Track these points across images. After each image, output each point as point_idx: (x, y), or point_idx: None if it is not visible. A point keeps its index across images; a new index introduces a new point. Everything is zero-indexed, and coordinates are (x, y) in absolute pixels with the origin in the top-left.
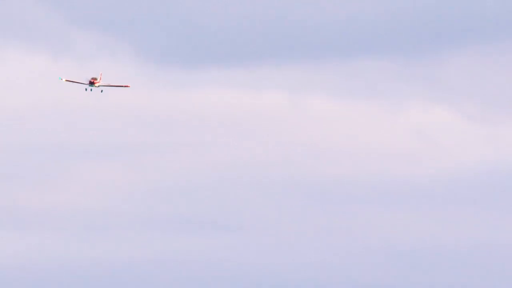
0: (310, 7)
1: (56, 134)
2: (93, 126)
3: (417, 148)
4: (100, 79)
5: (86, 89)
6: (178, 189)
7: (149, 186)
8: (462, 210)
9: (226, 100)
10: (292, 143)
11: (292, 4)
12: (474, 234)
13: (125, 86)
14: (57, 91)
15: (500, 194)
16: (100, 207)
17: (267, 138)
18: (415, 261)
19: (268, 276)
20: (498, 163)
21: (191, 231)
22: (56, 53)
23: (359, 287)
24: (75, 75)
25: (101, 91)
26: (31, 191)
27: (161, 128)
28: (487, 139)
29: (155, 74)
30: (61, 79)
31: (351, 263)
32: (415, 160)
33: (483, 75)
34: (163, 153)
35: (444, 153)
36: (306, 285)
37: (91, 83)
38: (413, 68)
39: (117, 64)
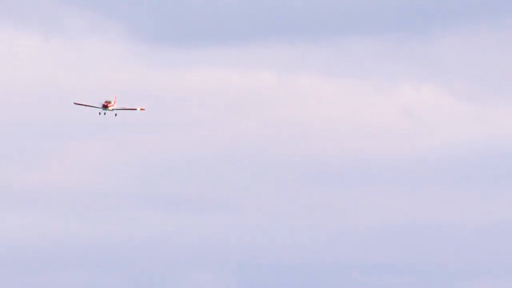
0: None
1: (48, 113)
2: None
3: (407, 127)
4: (115, 102)
5: (99, 113)
6: (169, 168)
7: (140, 165)
8: (452, 188)
9: (216, 79)
10: (282, 123)
11: None
12: (464, 212)
13: (140, 109)
14: (48, 71)
15: (490, 172)
16: (90, 186)
17: (257, 117)
18: (406, 240)
19: (258, 255)
20: (488, 141)
21: (181, 210)
22: (48, 33)
23: (351, 266)
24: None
25: (115, 114)
26: (24, 170)
27: (152, 107)
28: (476, 117)
29: (146, 54)
30: (74, 103)
31: (342, 242)
32: (404, 139)
33: (472, 54)
34: (155, 132)
35: (434, 132)
36: (296, 264)
37: (105, 107)
38: (402, 47)
39: (109, 43)
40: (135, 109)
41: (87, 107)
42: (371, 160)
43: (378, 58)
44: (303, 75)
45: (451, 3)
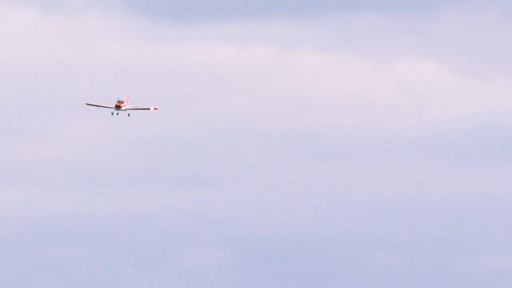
0: None
1: (47, 89)
2: (83, 81)
3: (405, 102)
4: (127, 102)
5: (112, 113)
6: (166, 143)
7: (137, 140)
8: (450, 163)
9: (214, 54)
10: (280, 98)
11: None
12: (463, 187)
13: (154, 109)
14: (47, 47)
15: (488, 148)
16: (87, 161)
17: (255, 92)
18: (401, 214)
19: (254, 231)
20: (487, 116)
21: (178, 185)
22: (46, 9)
23: (346, 241)
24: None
25: (128, 114)
26: (22, 145)
27: (150, 82)
28: (475, 93)
29: (144, 29)
30: (86, 103)
31: (337, 217)
32: (403, 114)
33: (470, 29)
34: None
35: (433, 107)
36: (292, 240)
37: (117, 107)
38: (401, 23)
39: (108, 19)
40: (148, 109)
41: (99, 107)
42: (369, 135)
43: (376, 33)
44: (301, 50)
45: None
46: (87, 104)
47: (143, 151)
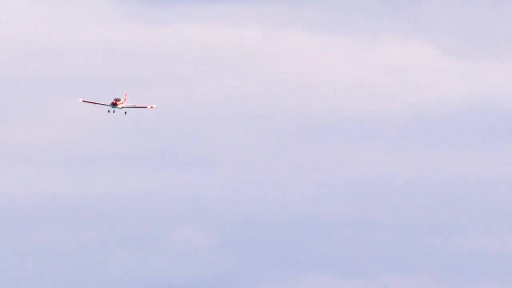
0: None
1: (38, 70)
2: (73, 61)
3: (394, 84)
4: (125, 99)
5: (108, 111)
6: (156, 124)
7: (128, 121)
8: (440, 144)
9: (204, 35)
10: (268, 79)
11: None
12: (452, 167)
13: (150, 107)
14: (38, 28)
15: (475, 129)
16: (77, 143)
17: (244, 73)
18: (389, 195)
19: (245, 212)
20: (475, 97)
21: (165, 166)
22: None
23: (339, 222)
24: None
25: (125, 112)
26: (13, 126)
27: (141, 63)
28: (463, 74)
29: (134, 10)
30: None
31: (325, 197)
32: (392, 96)
33: (459, 11)
34: (143, 88)
35: (422, 88)
36: (284, 221)
37: (114, 105)
38: (390, 3)
39: (95, 1)
40: (146, 107)
41: (96, 104)
42: (357, 116)
43: (364, 14)
44: (290, 31)
45: None
46: (83, 101)
47: (131, 132)
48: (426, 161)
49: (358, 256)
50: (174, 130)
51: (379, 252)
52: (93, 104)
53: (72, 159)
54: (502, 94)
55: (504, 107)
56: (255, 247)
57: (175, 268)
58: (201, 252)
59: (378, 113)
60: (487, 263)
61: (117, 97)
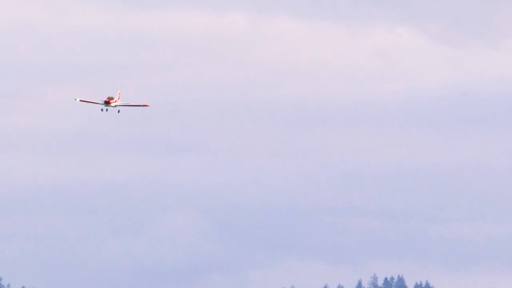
0: None
1: (24, 55)
2: (59, 47)
3: (381, 69)
4: (119, 98)
5: (102, 110)
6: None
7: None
8: (425, 130)
9: (188, 21)
10: (254, 64)
11: None
12: (437, 153)
13: (143, 106)
14: (23, 14)
15: (462, 114)
16: (62, 129)
17: (229, 58)
18: (377, 181)
19: (228, 198)
20: (461, 83)
21: (152, 153)
22: None
23: (321, 208)
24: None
25: (118, 111)
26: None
27: (125, 49)
28: (450, 60)
29: None
30: (75, 99)
31: (313, 183)
32: (379, 81)
33: None
34: (128, 74)
35: (408, 74)
36: (270, 207)
37: (107, 103)
38: None
39: None
40: (139, 106)
41: (89, 103)
42: (345, 101)
43: (353, 0)
44: (276, 17)
45: None
46: (79, 100)
47: (117, 118)
48: (413, 147)
49: (346, 242)
50: (161, 117)
51: (366, 239)
52: (87, 103)
53: (60, 146)
54: (489, 81)
55: (490, 93)
56: (244, 233)
57: (164, 253)
58: (190, 238)
59: (365, 99)
60: (475, 249)
61: (110, 95)
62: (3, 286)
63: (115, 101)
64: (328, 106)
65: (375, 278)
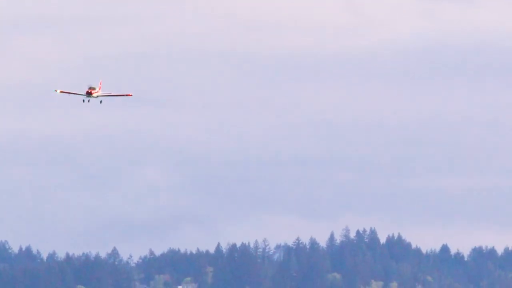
0: None
1: None
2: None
3: (354, 22)
4: (100, 88)
5: (83, 100)
6: (112, 63)
7: (82, 59)
8: (397, 82)
9: None
10: (219, 16)
11: None
12: (409, 106)
13: (126, 95)
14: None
15: (435, 67)
16: (36, 81)
17: (200, 9)
18: (349, 134)
19: (202, 152)
20: (433, 35)
21: (126, 106)
22: None
23: (298, 161)
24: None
25: (100, 101)
26: None
27: (94, 2)
28: (423, 13)
29: None
30: (56, 90)
31: (283, 136)
32: (351, 34)
33: None
34: (97, 26)
35: (380, 26)
36: (242, 159)
37: (89, 94)
38: None
39: None
40: (122, 95)
41: (70, 94)
42: (317, 54)
43: None
44: None
45: None
46: (60, 91)
47: (89, 71)
48: (385, 100)
49: (318, 195)
50: (128, 70)
51: (339, 192)
52: (68, 94)
53: (31, 98)
54: (459, 32)
55: (463, 45)
56: (216, 186)
57: (136, 206)
58: (162, 191)
59: (335, 50)
60: (447, 202)
61: (91, 85)
62: None
63: (97, 92)
64: (300, 58)
65: (347, 231)
